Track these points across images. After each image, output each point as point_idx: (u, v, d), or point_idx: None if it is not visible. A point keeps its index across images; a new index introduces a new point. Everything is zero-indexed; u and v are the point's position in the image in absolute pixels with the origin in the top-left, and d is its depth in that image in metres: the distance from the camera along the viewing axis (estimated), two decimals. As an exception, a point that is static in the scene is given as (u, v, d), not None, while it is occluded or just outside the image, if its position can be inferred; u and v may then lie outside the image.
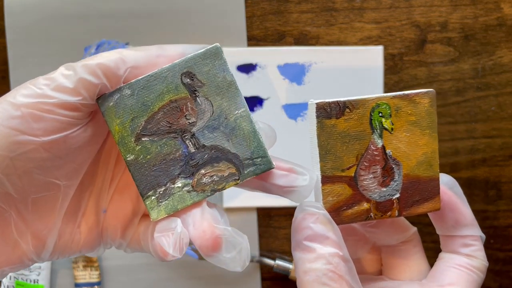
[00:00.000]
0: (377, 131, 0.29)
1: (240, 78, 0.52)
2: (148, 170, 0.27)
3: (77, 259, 0.53)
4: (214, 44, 0.27)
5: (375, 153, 0.29)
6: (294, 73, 0.52)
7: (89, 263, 0.53)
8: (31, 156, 0.25)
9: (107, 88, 0.26)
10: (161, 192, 0.27)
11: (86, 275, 0.53)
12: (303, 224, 0.27)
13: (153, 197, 0.27)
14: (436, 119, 0.30)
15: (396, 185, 0.30)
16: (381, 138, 0.29)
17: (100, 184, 0.29)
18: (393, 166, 0.29)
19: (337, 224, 0.29)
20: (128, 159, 0.27)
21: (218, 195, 0.53)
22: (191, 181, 0.27)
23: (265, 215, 0.54)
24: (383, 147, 0.29)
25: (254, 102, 0.52)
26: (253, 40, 0.53)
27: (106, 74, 0.26)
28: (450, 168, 0.53)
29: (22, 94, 0.25)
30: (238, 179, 0.28)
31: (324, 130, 0.29)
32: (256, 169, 0.27)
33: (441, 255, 0.31)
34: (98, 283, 0.54)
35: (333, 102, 0.28)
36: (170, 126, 0.27)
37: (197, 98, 0.27)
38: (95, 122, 0.28)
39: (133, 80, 0.27)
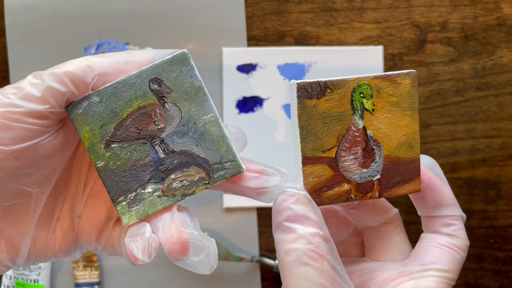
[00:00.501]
0: (358, 111, 0.29)
1: (240, 78, 0.52)
2: (119, 176, 0.27)
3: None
4: (181, 50, 0.28)
5: (356, 134, 0.29)
6: (294, 73, 0.52)
7: (89, 263, 0.53)
8: (0, 165, 0.25)
9: (75, 96, 0.26)
10: (131, 198, 0.28)
11: (86, 275, 0.53)
12: (284, 205, 0.27)
13: (124, 203, 0.28)
14: (417, 100, 0.29)
15: (377, 166, 0.29)
16: (362, 119, 0.29)
17: (73, 189, 0.29)
18: (374, 147, 0.29)
19: (318, 205, 0.28)
20: (98, 165, 0.27)
21: (217, 195, 0.53)
22: (162, 186, 0.28)
23: (265, 215, 0.54)
24: (364, 128, 0.29)
25: (254, 102, 0.52)
26: (253, 40, 0.53)
27: (73, 82, 0.26)
28: (450, 168, 0.53)
29: None
30: (208, 183, 0.28)
31: (305, 111, 0.28)
32: (225, 173, 0.28)
33: (423, 235, 0.32)
34: (98, 283, 0.54)
35: (314, 82, 0.28)
36: (139, 132, 0.27)
37: (166, 104, 0.27)
38: (66, 129, 0.28)
39: (101, 87, 0.27)
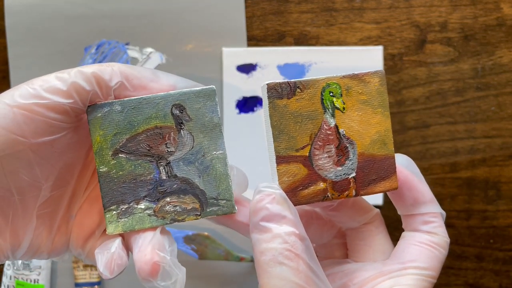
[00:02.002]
0: (329, 110, 0.29)
1: (240, 78, 0.52)
2: (117, 185, 0.28)
3: (77, 259, 0.53)
4: (211, 86, 0.29)
5: (328, 132, 0.29)
6: (294, 73, 0.53)
7: (89, 263, 0.54)
8: (19, 156, 0.26)
9: (97, 97, 0.27)
10: (123, 209, 0.28)
11: (86, 275, 0.53)
12: (260, 205, 0.27)
13: (114, 212, 0.28)
14: (387, 98, 0.30)
15: (352, 164, 0.30)
16: (334, 118, 0.29)
17: (74, 190, 0.30)
18: (347, 145, 0.30)
19: (295, 204, 0.29)
20: (100, 170, 0.28)
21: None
22: (155, 205, 0.28)
23: (265, 215, 0.54)
24: (336, 126, 0.29)
25: (254, 102, 0.52)
26: (253, 40, 0.53)
27: (99, 83, 0.27)
28: (450, 168, 0.53)
29: (16, 95, 0.26)
30: (199, 215, 0.29)
31: (276, 111, 0.29)
32: (218, 210, 0.29)
33: (403, 234, 0.32)
34: (98, 283, 0.54)
35: (284, 83, 0.29)
36: (149, 150, 0.28)
37: (182, 130, 0.28)
38: (80, 131, 0.28)
39: (125, 99, 0.28)
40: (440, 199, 0.53)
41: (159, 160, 0.28)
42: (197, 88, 0.29)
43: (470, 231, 0.54)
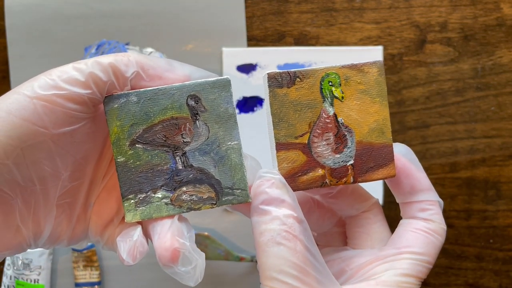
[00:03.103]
0: (328, 99, 0.30)
1: (240, 78, 0.52)
2: (135, 175, 0.29)
3: (77, 258, 0.53)
4: (225, 77, 0.29)
5: (327, 120, 0.30)
6: (294, 73, 0.53)
7: (89, 263, 0.53)
8: (40, 147, 0.26)
9: (114, 88, 0.28)
10: (141, 198, 0.29)
11: (86, 275, 0.53)
12: (260, 189, 0.28)
13: (132, 201, 0.29)
14: (385, 87, 0.30)
15: (350, 151, 0.30)
16: (332, 106, 0.30)
17: (92, 179, 0.30)
18: (346, 133, 0.30)
19: (294, 190, 0.30)
20: (118, 160, 0.29)
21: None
22: (172, 195, 0.29)
23: (265, 215, 0.54)
24: (335, 115, 0.30)
25: (254, 102, 0.52)
26: (253, 40, 0.53)
27: (115, 74, 0.27)
28: (450, 168, 0.53)
29: (35, 86, 0.26)
30: (215, 204, 0.29)
31: (277, 99, 0.30)
32: (233, 199, 0.29)
33: (401, 221, 0.32)
34: (98, 283, 0.54)
35: (284, 72, 0.30)
36: (165, 140, 0.29)
37: (197, 121, 0.29)
38: (97, 121, 0.29)
39: (141, 90, 0.28)
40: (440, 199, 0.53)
41: (175, 150, 0.29)
42: (212, 79, 0.29)
43: (470, 231, 0.54)
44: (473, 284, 0.54)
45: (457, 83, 0.53)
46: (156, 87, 0.28)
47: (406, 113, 0.53)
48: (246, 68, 0.52)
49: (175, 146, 0.29)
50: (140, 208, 0.29)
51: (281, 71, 0.30)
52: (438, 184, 0.53)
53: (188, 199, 0.29)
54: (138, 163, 0.29)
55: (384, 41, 0.53)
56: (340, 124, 0.30)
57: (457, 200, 0.54)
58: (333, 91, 0.30)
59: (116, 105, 0.28)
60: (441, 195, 0.53)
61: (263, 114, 0.52)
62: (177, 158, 0.29)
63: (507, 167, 0.53)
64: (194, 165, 0.29)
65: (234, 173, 0.29)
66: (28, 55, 0.52)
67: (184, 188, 0.29)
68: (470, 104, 0.53)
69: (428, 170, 0.53)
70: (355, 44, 0.53)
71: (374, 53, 0.52)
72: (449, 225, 0.54)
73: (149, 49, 0.53)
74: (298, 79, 0.30)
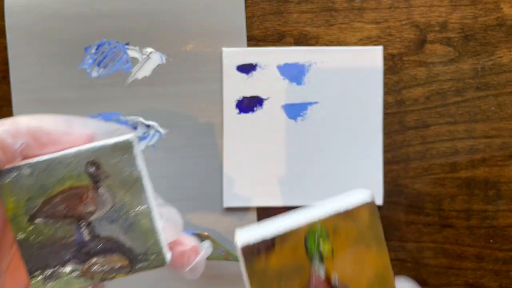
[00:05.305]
0: (316, 260, 0.27)
1: (240, 78, 0.52)
2: (39, 250, 0.27)
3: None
4: (126, 139, 0.27)
5: (319, 285, 0.27)
6: (294, 73, 0.53)
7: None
8: None
9: (2, 162, 0.26)
10: (48, 274, 0.27)
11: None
12: None
13: (39, 277, 0.27)
14: (381, 230, 0.27)
15: None
16: (323, 265, 0.27)
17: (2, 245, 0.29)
18: None
19: None
20: (18, 237, 0.27)
21: (217, 195, 0.53)
22: (81, 267, 0.27)
23: (265, 215, 0.54)
24: (327, 276, 0.27)
25: (254, 102, 0.52)
26: (253, 40, 0.53)
27: (2, 148, 0.25)
28: (449, 168, 0.53)
29: None
30: (130, 272, 0.28)
31: (255, 275, 0.26)
32: (148, 265, 0.28)
33: None
34: (98, 283, 0.53)
35: (260, 242, 0.26)
36: (67, 212, 0.27)
37: (100, 188, 0.27)
38: None
39: (34, 161, 0.26)
40: (440, 199, 0.53)
41: (79, 221, 0.27)
42: (111, 142, 0.27)
43: (470, 231, 0.54)
44: (473, 284, 0.54)
45: (457, 83, 0.53)
46: (50, 157, 0.26)
47: (406, 113, 0.53)
48: (246, 68, 0.52)
49: (79, 217, 0.27)
50: (50, 284, 0.27)
51: (255, 242, 0.26)
52: (438, 184, 0.53)
53: (99, 270, 0.27)
54: (40, 238, 0.27)
55: (384, 41, 0.53)
56: (334, 286, 0.27)
57: (457, 200, 0.54)
58: (321, 250, 0.26)
59: (8, 180, 0.26)
60: (441, 195, 0.53)
61: (263, 114, 0.52)
62: (82, 229, 0.27)
63: (507, 167, 0.53)
64: (102, 234, 0.27)
65: (146, 239, 0.27)
66: (28, 55, 0.52)
67: (94, 259, 0.27)
68: (470, 104, 0.53)
69: (428, 170, 0.53)
70: (355, 44, 0.53)
71: (374, 53, 0.52)
72: (449, 225, 0.54)
73: (149, 49, 0.53)
74: (277, 245, 0.26)
